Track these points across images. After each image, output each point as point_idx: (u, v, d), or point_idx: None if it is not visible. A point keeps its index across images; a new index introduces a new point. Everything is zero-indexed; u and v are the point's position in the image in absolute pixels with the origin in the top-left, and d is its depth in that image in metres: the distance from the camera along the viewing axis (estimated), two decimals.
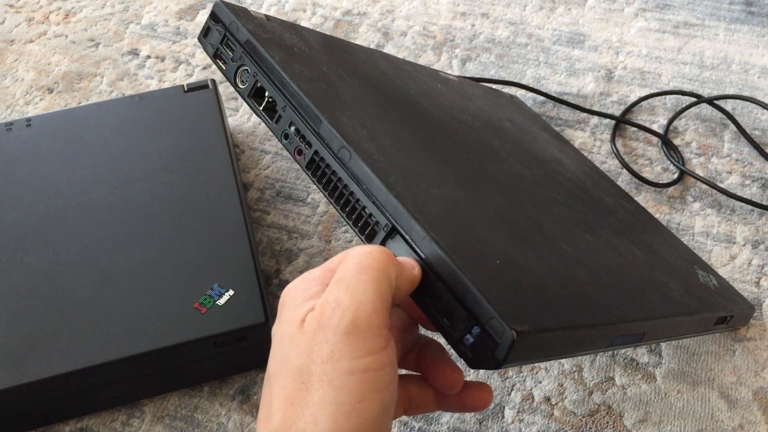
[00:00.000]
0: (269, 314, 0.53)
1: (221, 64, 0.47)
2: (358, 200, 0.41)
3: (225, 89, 0.74)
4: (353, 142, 0.41)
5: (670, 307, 0.47)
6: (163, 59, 0.77)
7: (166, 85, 0.75)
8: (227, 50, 0.47)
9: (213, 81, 0.65)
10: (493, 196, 0.48)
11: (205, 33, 0.48)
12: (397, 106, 0.51)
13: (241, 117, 0.72)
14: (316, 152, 0.42)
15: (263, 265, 0.61)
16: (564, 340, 0.39)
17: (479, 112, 0.62)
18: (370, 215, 0.40)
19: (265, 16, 0.50)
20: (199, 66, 0.76)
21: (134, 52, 0.77)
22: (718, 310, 0.52)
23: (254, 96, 0.45)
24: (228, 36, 0.47)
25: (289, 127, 0.43)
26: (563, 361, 0.56)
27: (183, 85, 0.65)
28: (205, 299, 0.52)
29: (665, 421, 0.53)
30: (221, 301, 0.52)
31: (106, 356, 0.50)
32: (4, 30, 0.80)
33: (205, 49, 0.48)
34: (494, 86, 0.73)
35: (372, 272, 0.34)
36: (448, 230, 0.39)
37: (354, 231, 0.41)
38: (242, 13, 0.48)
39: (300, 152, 0.43)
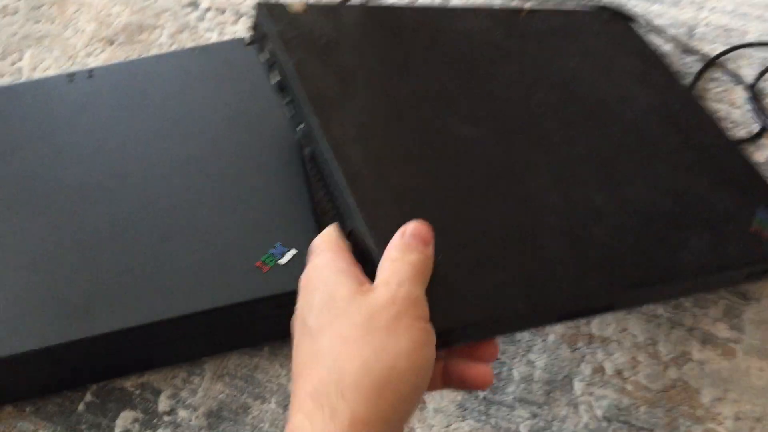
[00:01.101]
0: None
1: (262, 58, 0.54)
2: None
3: None
4: (336, 145, 0.46)
5: (664, 270, 0.49)
6: (223, 11, 0.75)
7: (226, 38, 0.73)
8: (263, 49, 0.53)
9: None
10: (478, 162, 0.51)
11: (253, 28, 0.55)
12: (417, 78, 0.55)
13: None
14: (312, 150, 0.48)
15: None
16: (491, 327, 0.43)
17: (535, 50, 0.63)
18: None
19: (306, 4, 0.55)
20: None
21: (194, 4, 0.76)
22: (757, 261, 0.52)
23: (280, 91, 0.52)
24: (264, 36, 0.53)
25: (299, 124, 0.49)
26: (636, 333, 0.53)
27: (244, 38, 0.63)
28: (267, 258, 0.51)
29: (745, 399, 0.50)
30: (283, 261, 0.51)
31: (167, 312, 0.49)
32: None
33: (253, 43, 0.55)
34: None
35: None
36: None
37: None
38: (277, 12, 0.54)
39: (303, 148, 0.51)
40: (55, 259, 0.51)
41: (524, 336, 0.54)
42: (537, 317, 0.46)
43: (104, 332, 0.48)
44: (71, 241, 0.52)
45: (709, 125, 0.62)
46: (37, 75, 0.72)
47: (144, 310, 0.49)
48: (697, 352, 0.52)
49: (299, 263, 0.50)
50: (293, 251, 0.51)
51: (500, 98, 0.57)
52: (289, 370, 0.53)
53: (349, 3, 0.67)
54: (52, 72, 0.72)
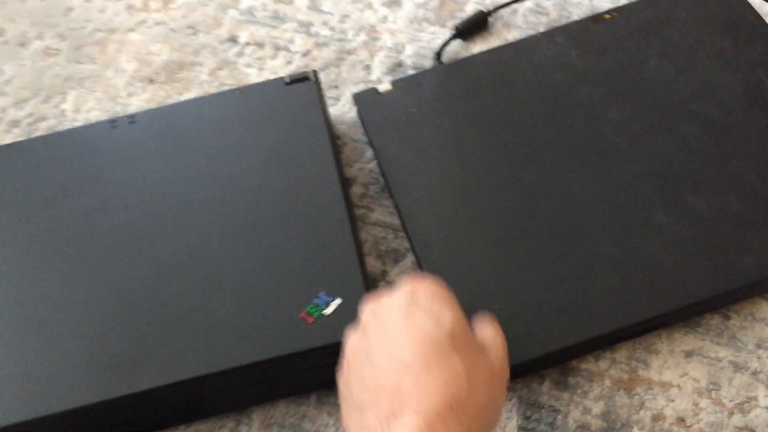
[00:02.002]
0: None
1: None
2: None
3: (326, 77, 0.71)
4: (411, 221, 0.57)
5: (722, 277, 0.51)
6: (262, 46, 0.74)
7: (266, 73, 0.72)
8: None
9: (314, 72, 0.62)
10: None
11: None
12: (498, 130, 0.61)
13: (343, 106, 0.69)
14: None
15: (368, 267, 0.59)
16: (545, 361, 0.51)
17: (613, 59, 0.63)
18: None
19: (392, 84, 0.64)
20: (299, 52, 0.73)
21: (233, 39, 0.75)
22: None
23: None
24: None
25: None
26: (698, 377, 0.51)
27: (284, 77, 0.62)
28: (311, 308, 0.50)
29: None
30: (328, 311, 0.50)
31: (212, 366, 0.49)
32: (105, 19, 0.79)
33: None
34: None
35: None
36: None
37: None
38: (366, 98, 0.64)
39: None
40: (100, 312, 0.51)
41: (579, 382, 0.52)
42: (595, 344, 0.52)
43: (149, 388, 0.48)
44: (114, 294, 0.52)
45: None
46: (81, 117, 0.72)
47: (188, 365, 0.49)
48: (763, 398, 0.50)
49: (344, 313, 0.50)
50: (338, 301, 0.50)
51: (571, 128, 0.59)
52: (337, 419, 0.52)
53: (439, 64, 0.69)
54: (95, 113, 0.72)
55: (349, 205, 0.58)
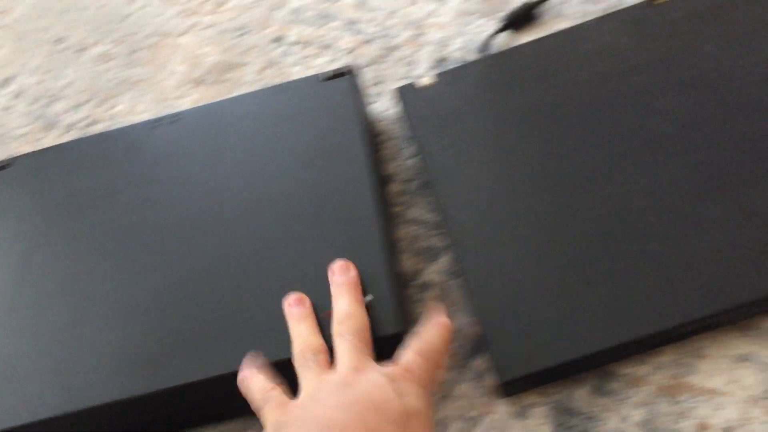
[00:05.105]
0: (408, 322, 0.49)
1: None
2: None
3: (370, 73, 0.70)
4: (452, 216, 0.54)
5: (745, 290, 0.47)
6: (308, 44, 0.74)
7: (311, 71, 0.72)
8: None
9: (351, 68, 0.62)
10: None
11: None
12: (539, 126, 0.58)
13: (386, 103, 0.68)
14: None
15: (403, 265, 0.57)
16: (562, 371, 0.48)
17: (668, 47, 0.60)
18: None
19: (437, 77, 0.62)
20: (344, 50, 0.73)
21: (280, 39, 0.76)
22: None
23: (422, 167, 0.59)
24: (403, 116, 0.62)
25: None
26: (749, 384, 0.47)
27: (318, 75, 0.62)
28: None
29: None
30: None
31: (237, 365, 0.48)
32: (159, 23, 0.81)
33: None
34: None
35: None
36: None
37: None
38: (410, 92, 0.62)
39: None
40: (133, 310, 0.52)
41: (618, 387, 0.49)
42: (637, 346, 0.49)
43: (175, 385, 0.48)
44: (146, 291, 0.52)
45: None
46: (133, 119, 0.74)
47: (216, 363, 0.49)
48: None
49: (373, 311, 0.49)
50: (369, 297, 0.49)
51: (618, 120, 0.56)
52: None
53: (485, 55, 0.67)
54: (146, 115, 0.74)
55: (383, 202, 0.56)
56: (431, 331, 0.46)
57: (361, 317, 0.47)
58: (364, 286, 0.50)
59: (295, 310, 0.49)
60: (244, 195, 0.56)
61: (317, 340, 0.47)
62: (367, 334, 0.46)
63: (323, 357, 0.45)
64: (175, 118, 0.62)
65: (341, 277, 0.49)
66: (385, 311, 0.48)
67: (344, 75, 0.62)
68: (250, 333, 0.49)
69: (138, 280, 0.53)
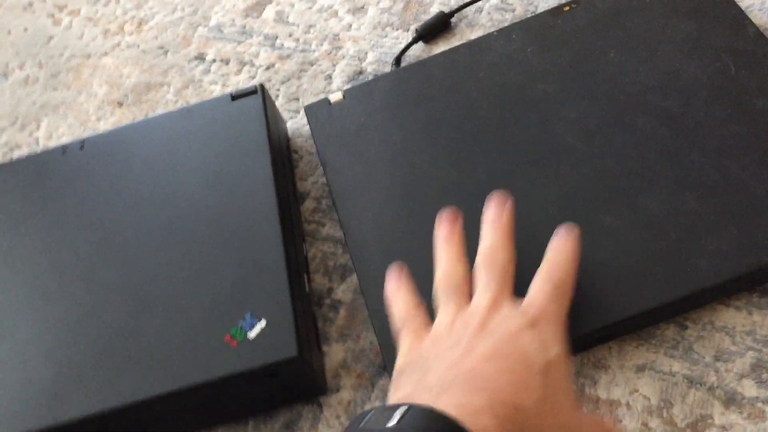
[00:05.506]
0: (305, 346, 0.48)
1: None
2: None
3: (287, 89, 0.69)
4: (352, 236, 0.54)
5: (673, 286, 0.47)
6: (227, 62, 0.74)
7: (229, 89, 0.72)
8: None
9: (261, 86, 0.61)
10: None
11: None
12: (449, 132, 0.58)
13: (302, 119, 0.67)
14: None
15: (315, 284, 0.57)
16: None
17: (571, 53, 0.60)
18: None
19: (343, 94, 0.61)
20: (263, 66, 0.72)
21: (201, 57, 0.75)
22: None
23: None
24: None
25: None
26: (649, 394, 0.47)
27: (230, 93, 0.61)
28: (235, 331, 0.49)
29: None
30: (252, 334, 0.48)
31: (137, 395, 0.48)
32: (82, 45, 0.80)
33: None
34: None
35: None
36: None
37: None
38: (317, 110, 0.61)
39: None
40: (29, 342, 0.51)
41: None
42: None
43: (73, 418, 0.47)
44: (45, 323, 0.52)
45: None
46: (52, 143, 0.73)
47: (115, 393, 0.48)
48: (719, 416, 0.45)
49: (268, 336, 0.48)
50: (263, 323, 0.49)
51: (522, 130, 0.56)
52: None
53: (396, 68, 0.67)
54: (65, 139, 0.73)
55: (292, 222, 0.56)
56: (559, 255, 0.45)
57: (505, 251, 0.45)
58: (264, 308, 0.49)
59: (444, 230, 0.48)
60: (148, 220, 0.55)
61: (461, 270, 0.45)
62: (511, 268, 0.45)
63: (465, 289, 0.44)
64: (82, 144, 0.61)
65: (494, 210, 0.47)
66: (281, 336, 0.48)
67: (254, 93, 0.61)
68: (146, 361, 0.49)
69: (39, 309, 0.53)
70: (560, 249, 0.45)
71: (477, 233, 0.50)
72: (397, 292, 0.47)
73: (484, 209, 0.49)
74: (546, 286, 0.43)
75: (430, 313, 0.46)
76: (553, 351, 0.39)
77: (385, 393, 0.51)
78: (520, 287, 0.44)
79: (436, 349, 0.41)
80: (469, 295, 0.44)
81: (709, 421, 0.45)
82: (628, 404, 0.47)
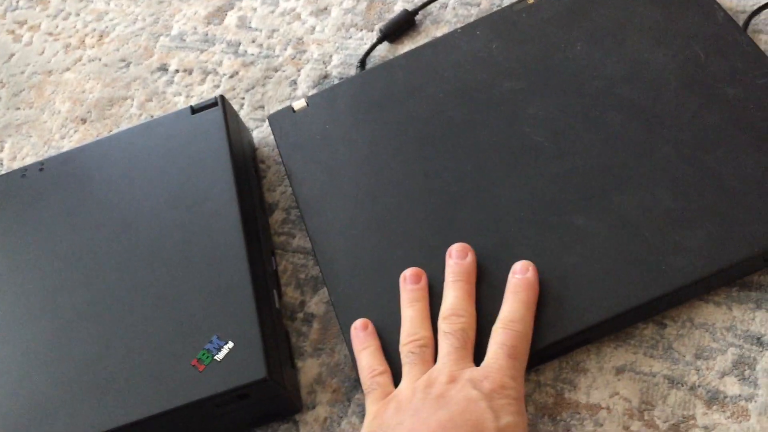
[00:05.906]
0: (275, 366, 0.47)
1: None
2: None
3: (252, 97, 0.68)
4: (320, 248, 0.53)
5: (651, 285, 0.46)
6: (191, 72, 0.72)
7: (193, 100, 0.70)
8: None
9: (221, 98, 0.59)
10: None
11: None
12: (411, 134, 0.56)
13: (268, 127, 0.65)
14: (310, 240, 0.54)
15: (287, 297, 0.56)
16: None
17: (537, 48, 0.58)
18: None
19: (306, 101, 0.60)
20: (226, 74, 0.70)
21: (163, 68, 0.73)
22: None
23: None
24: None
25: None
26: (629, 396, 0.46)
27: (191, 107, 0.60)
28: (203, 354, 0.47)
29: None
30: (220, 356, 0.47)
31: (105, 425, 0.46)
32: (43, 61, 0.78)
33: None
34: None
35: None
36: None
37: None
38: (281, 117, 0.60)
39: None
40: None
41: None
42: None
43: None
44: (12, 355, 0.50)
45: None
46: (16, 164, 0.71)
47: (82, 425, 0.47)
48: (701, 416, 0.44)
49: (236, 358, 0.47)
50: (230, 344, 0.47)
51: (490, 130, 0.55)
52: None
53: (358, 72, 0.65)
54: (29, 159, 0.71)
55: (258, 236, 0.54)
56: (515, 304, 0.45)
57: (466, 315, 0.46)
58: (230, 330, 0.48)
59: (409, 288, 0.48)
60: (109, 243, 0.54)
61: (424, 332, 0.46)
62: (471, 334, 0.45)
63: (428, 351, 0.45)
64: (41, 166, 0.60)
65: (457, 262, 0.48)
66: (250, 357, 0.46)
67: (215, 105, 0.59)
68: (115, 390, 0.47)
69: (0, 340, 0.51)
70: (516, 298, 0.46)
71: (442, 239, 0.49)
72: (362, 352, 0.47)
73: (447, 256, 0.48)
74: (500, 352, 0.43)
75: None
76: (504, 420, 0.40)
77: (360, 407, 0.50)
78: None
79: (399, 416, 0.42)
80: (433, 357, 0.45)
81: (692, 422, 0.44)
82: (608, 408, 0.46)
